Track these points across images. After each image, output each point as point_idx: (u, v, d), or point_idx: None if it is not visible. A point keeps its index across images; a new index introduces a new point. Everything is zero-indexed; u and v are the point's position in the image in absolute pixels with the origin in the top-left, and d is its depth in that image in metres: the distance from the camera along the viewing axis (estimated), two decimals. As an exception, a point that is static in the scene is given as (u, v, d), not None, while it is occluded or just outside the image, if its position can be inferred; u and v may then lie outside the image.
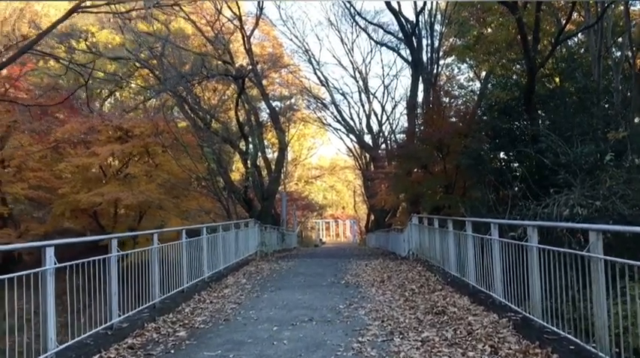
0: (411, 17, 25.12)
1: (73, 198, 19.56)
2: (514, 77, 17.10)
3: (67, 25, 23.15)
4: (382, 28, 29.74)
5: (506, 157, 14.96)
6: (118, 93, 30.72)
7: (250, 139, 23.58)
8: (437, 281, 10.38)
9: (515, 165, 14.34)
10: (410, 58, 25.62)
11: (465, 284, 8.83)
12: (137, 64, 21.75)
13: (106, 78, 25.37)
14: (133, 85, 27.21)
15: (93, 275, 5.86)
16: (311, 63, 36.48)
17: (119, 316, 6.34)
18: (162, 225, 19.61)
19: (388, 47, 30.90)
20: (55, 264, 4.94)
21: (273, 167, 26.16)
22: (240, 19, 23.46)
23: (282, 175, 31.68)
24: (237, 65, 22.38)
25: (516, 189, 12.40)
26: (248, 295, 9.54)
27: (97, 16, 24.60)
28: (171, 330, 6.70)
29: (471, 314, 7.03)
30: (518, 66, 17.42)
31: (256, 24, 26.08)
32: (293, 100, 36.71)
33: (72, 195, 19.71)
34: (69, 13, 8.25)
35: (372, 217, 41.68)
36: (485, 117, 16.30)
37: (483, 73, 21.62)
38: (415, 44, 23.87)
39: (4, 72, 20.89)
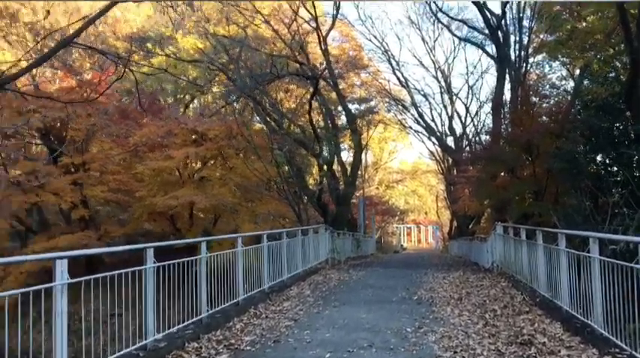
0: (497, 11, 23.49)
1: (150, 201, 19.75)
2: (612, 74, 15.33)
3: (145, 28, 23.72)
4: (466, 24, 28.21)
5: (605, 160, 13.32)
6: (202, 98, 31.30)
7: (325, 142, 22.92)
8: (523, 301, 9.11)
9: (615, 168, 12.70)
10: (496, 55, 23.99)
11: (556, 307, 7.57)
12: (212, 67, 21.73)
13: (190, 81, 25.87)
14: (214, 90, 27.53)
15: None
16: (390, 63, 35.38)
17: (155, 334, 5.73)
18: (236, 230, 19.37)
19: (472, 43, 29.31)
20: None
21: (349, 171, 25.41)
22: (316, 19, 22.94)
23: (359, 179, 30.78)
24: (311, 65, 21.81)
25: (617, 196, 10.86)
26: (308, 310, 8.75)
27: (180, 23, 25.10)
28: (213, 352, 6.02)
29: (564, 347, 5.85)
30: (617, 62, 15.63)
31: (333, 24, 25.50)
32: (373, 103, 35.75)
33: (149, 198, 19.91)
34: (111, 5, 7.96)
35: (455, 224, 39.86)
36: (580, 116, 14.64)
37: (577, 71, 19.74)
38: (501, 39, 22.25)
39: (88, 77, 21.66)
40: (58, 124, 19.78)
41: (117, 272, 5.07)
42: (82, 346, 4.69)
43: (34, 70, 20.23)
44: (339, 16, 26.21)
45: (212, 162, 21.88)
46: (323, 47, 23.18)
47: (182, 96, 30.19)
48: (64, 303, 4.20)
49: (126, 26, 21.41)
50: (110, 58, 10.13)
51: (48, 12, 9.64)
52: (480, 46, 28.36)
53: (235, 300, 8.22)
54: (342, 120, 28.42)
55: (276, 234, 11.45)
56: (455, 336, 6.65)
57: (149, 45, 21.04)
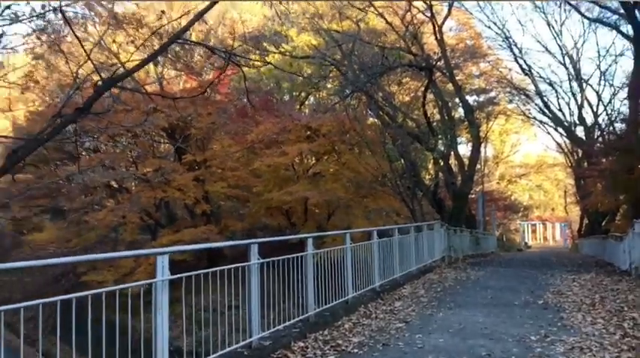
0: (635, -14, 21.15)
1: (266, 196, 20.27)
2: None
3: (260, 27, 24.30)
4: (598, 4, 25.73)
5: None
6: (316, 95, 31.65)
7: (441, 135, 22.07)
8: (669, 310, 7.99)
9: None
10: (633, 36, 21.65)
11: None
12: (325, 63, 21.73)
13: (305, 76, 26.18)
14: (328, 86, 27.69)
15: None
16: (512, 51, 33.13)
17: (260, 332, 5.63)
18: (350, 225, 19.28)
19: (605, 25, 26.61)
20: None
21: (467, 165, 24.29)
22: (431, 8, 22.15)
23: (477, 174, 29.40)
24: (425, 56, 21.06)
25: None
26: (421, 311, 8.30)
27: (295, 22, 25.52)
28: (319, 352, 5.80)
29: None
30: None
31: (449, 12, 24.46)
32: (492, 94, 33.98)
33: (265, 193, 20.44)
34: (212, 3, 8.08)
35: (585, 221, 36.84)
36: None
37: None
38: (639, 17, 20.01)
39: (208, 77, 22.65)
40: (182, 123, 20.86)
41: (219, 268, 5.02)
42: (183, 345, 4.65)
43: (159, 72, 21.54)
44: (455, 3, 25.12)
45: (325, 157, 21.96)
46: (438, 37, 22.31)
47: (297, 93, 30.66)
48: (164, 298, 4.17)
49: (243, 26, 22.07)
50: (218, 53, 10.34)
51: (163, 12, 10.08)
52: (615, 27, 25.71)
53: (344, 298, 7.98)
54: (459, 112, 27.27)
55: (388, 231, 11.08)
56: (588, 348, 5.89)
57: (265, 44, 21.50)
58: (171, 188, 20.56)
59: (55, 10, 7.19)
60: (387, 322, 7.45)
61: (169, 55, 19.70)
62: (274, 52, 21.98)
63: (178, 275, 4.41)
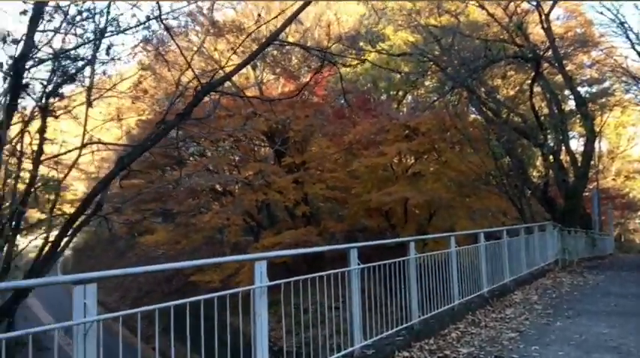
0: None
1: (364, 197, 20.04)
2: None
3: (357, 27, 24.11)
4: None
5: None
6: (415, 93, 30.97)
7: (550, 130, 20.69)
8: None
9: None
10: None
11: None
12: (423, 59, 21.13)
13: (402, 72, 25.67)
14: (426, 83, 26.98)
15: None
16: (628, 37, 30.58)
17: (362, 341, 5.36)
18: (452, 227, 18.55)
19: None
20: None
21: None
22: (535, -5, 20.86)
23: (591, 170, 27.33)
24: (530, 46, 19.85)
25: None
26: (535, 320, 7.66)
27: (392, 19, 25.11)
28: (425, 363, 5.47)
29: None
30: None
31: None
32: (606, 84, 31.51)
33: (364, 194, 20.21)
34: (305, 5, 7.96)
35: None
36: None
37: None
38: None
39: (306, 80, 22.79)
40: (281, 126, 21.16)
41: (318, 274, 4.82)
42: (283, 346, 4.50)
43: (258, 77, 22.01)
44: (562, -12, 23.51)
45: (425, 156, 21.35)
46: (545, 26, 20.95)
47: (395, 92, 30.16)
48: (263, 305, 4.04)
49: (339, 27, 22.03)
50: (313, 53, 10.25)
51: (260, 15, 10.15)
52: None
53: (450, 305, 7.53)
54: (570, 105, 25.48)
55: (495, 233, 10.44)
56: None
57: (361, 43, 21.28)
58: (272, 190, 20.90)
59: (157, 18, 7.40)
60: (498, 331, 6.94)
61: (267, 60, 20.06)
62: (371, 51, 21.67)
63: (277, 282, 4.26)
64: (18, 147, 8.42)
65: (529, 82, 21.77)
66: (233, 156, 23.49)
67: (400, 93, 30.12)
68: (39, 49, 7.02)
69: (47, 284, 3.48)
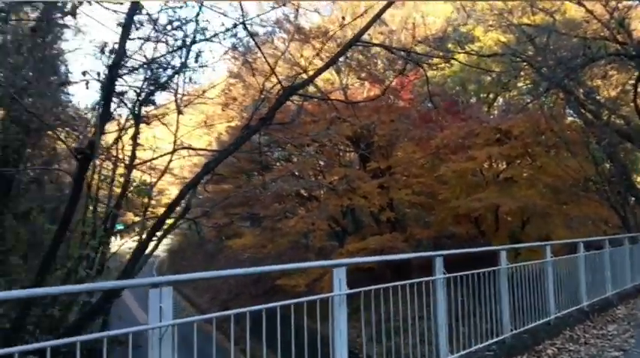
0: None
1: (453, 203, 19.41)
2: None
3: (445, 29, 23.45)
4: None
5: None
6: (506, 96, 29.79)
7: (658, 131, 19.08)
8: None
9: None
10: None
11: None
12: (515, 59, 20.19)
13: (494, 71, 24.73)
14: (519, 85, 25.86)
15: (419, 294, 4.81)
16: None
17: (449, 355, 5.05)
18: (548, 236, 17.52)
19: None
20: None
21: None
22: (641, -13, 19.37)
23: None
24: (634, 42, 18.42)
25: None
26: (642, 338, 6.98)
27: (482, 19, 24.26)
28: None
29: None
30: None
31: (664, -9, 21.17)
32: None
33: (452, 200, 19.58)
34: (388, 5, 7.71)
35: None
36: None
37: None
38: None
39: (392, 84, 22.48)
40: (365, 131, 20.97)
41: (400, 283, 4.59)
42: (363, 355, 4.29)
43: (343, 82, 21.97)
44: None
45: (518, 161, 20.35)
46: (650, 21, 19.43)
47: (485, 95, 29.13)
48: (342, 314, 3.86)
49: (425, 29, 21.54)
50: (397, 53, 9.99)
51: (343, 18, 10.04)
52: None
53: (546, 319, 7.01)
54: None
55: (596, 242, 9.67)
56: None
57: (449, 45, 20.67)
58: (357, 195, 20.75)
59: (242, 24, 7.48)
60: (600, 349, 6.36)
61: (352, 64, 19.96)
62: (459, 52, 21.01)
63: (356, 290, 4.08)
64: (113, 152, 8.80)
65: (632, 81, 20.19)
66: (318, 161, 23.59)
67: (491, 95, 29.07)
68: (129, 57, 7.29)
69: (124, 288, 3.52)
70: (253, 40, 7.89)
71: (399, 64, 19.12)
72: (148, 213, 10.30)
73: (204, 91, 11.23)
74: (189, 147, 10.09)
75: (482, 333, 5.70)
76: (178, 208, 9.16)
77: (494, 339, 5.88)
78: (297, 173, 22.44)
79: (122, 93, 8.03)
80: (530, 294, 6.69)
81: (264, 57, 8.71)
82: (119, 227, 11.45)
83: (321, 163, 23.79)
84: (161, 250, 46.98)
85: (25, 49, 8.73)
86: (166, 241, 43.25)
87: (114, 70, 6.60)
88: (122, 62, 6.99)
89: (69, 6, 7.98)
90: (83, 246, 6.25)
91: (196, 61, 8.91)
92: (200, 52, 9.14)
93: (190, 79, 9.33)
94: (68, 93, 12.13)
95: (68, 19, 8.96)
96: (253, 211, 23.06)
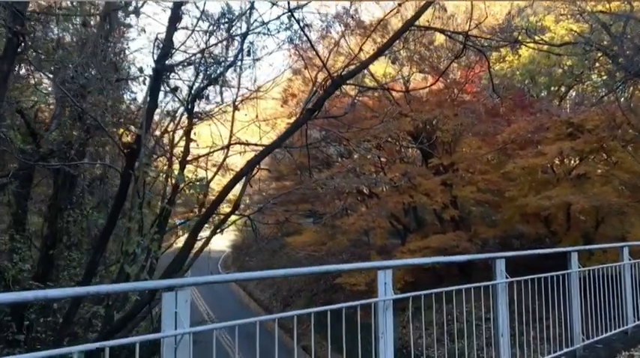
0: None
1: (520, 201, 18.55)
2: None
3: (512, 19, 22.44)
4: None
5: None
6: (579, 88, 28.32)
7: None
8: None
9: None
10: None
11: None
12: (588, 49, 19.02)
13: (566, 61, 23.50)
14: (593, 77, 24.45)
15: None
16: None
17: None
18: (625, 236, 16.38)
19: None
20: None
21: None
22: None
23: None
24: None
25: None
26: None
27: (552, 8, 23.08)
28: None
29: None
30: None
31: None
32: None
33: (520, 198, 18.72)
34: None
35: None
36: None
37: None
38: None
39: (456, 77, 21.76)
40: (428, 126, 20.37)
41: (455, 288, 4.20)
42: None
43: (405, 76, 21.41)
44: None
45: (592, 156, 19.18)
46: None
47: (556, 88, 27.74)
48: (388, 321, 3.53)
49: (492, 19, 20.62)
50: (454, 38, 9.45)
51: (399, 5, 9.65)
52: None
53: (622, 328, 6.39)
54: None
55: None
56: None
57: (516, 34, 19.73)
58: (418, 193, 20.20)
59: (292, 16, 7.25)
60: (686, 364, 5.70)
61: (415, 58, 19.43)
62: (527, 42, 20.00)
63: (403, 295, 3.74)
64: (167, 148, 8.79)
65: None
66: (378, 157, 23.16)
67: (562, 88, 27.66)
68: (176, 50, 7.21)
69: (132, 290, 3.32)
70: (304, 32, 7.62)
71: (464, 58, 18.46)
72: (204, 209, 10.28)
73: (259, 87, 11.10)
74: (243, 143, 10.00)
75: (550, 341, 5.22)
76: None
77: (564, 350, 5.37)
78: (357, 169, 22.11)
79: (175, 89, 7.99)
80: (604, 300, 6.11)
81: (313, 47, 8.46)
82: (178, 223, 11.54)
83: (382, 159, 23.34)
84: (226, 245, 47.84)
85: (89, 48, 8.85)
86: (230, 237, 44.00)
87: (160, 63, 6.52)
88: (170, 55, 6.92)
89: (131, 7, 8.00)
90: (134, 243, 6.21)
91: (248, 55, 8.76)
92: (251, 43, 9.00)
93: (241, 72, 9.19)
94: (132, 92, 12.34)
95: (130, 20, 9.04)
96: (314, 208, 22.93)
